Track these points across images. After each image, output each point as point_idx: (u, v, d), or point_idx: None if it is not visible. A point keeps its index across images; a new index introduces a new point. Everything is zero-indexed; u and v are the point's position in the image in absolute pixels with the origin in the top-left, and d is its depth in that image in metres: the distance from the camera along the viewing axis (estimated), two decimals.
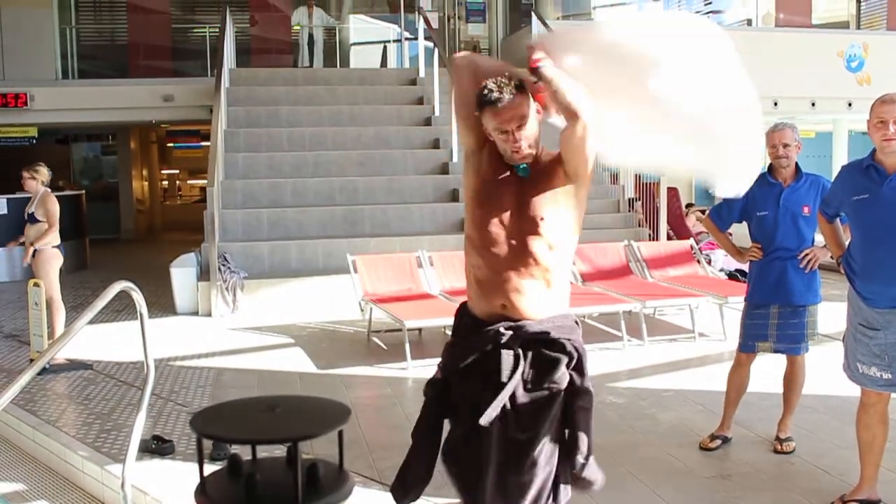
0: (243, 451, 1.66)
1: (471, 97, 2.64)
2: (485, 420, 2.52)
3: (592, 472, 2.65)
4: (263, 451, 1.69)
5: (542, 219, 2.60)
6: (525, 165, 2.65)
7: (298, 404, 1.62)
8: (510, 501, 2.57)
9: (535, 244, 2.60)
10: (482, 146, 2.74)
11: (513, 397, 2.58)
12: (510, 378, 2.57)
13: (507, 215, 2.63)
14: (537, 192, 2.62)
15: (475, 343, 2.65)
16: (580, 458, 2.60)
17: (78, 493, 4.53)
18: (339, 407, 1.64)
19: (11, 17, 13.29)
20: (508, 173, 2.68)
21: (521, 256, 2.61)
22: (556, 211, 2.62)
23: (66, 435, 4.98)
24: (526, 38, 13.77)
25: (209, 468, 1.62)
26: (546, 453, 2.60)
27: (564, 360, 2.61)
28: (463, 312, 2.79)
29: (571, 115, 2.52)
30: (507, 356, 2.58)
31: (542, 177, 2.65)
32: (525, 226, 2.61)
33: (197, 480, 1.64)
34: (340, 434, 1.58)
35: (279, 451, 1.70)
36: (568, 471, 2.65)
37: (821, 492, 3.99)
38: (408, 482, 2.74)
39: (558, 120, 2.61)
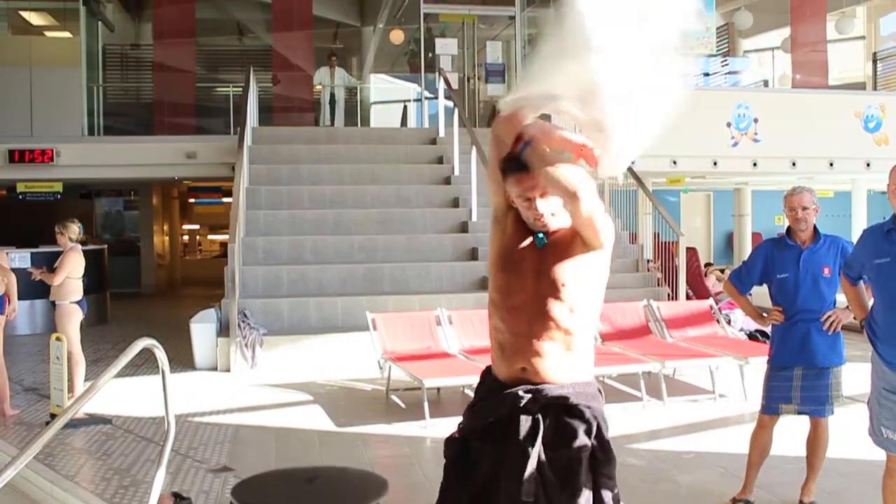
0: None
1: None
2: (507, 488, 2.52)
3: None
4: None
5: (563, 284, 2.62)
6: (542, 235, 2.67)
7: (336, 475, 1.62)
8: None
9: (556, 308, 2.62)
10: (508, 210, 2.77)
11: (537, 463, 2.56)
12: (531, 444, 2.56)
13: (528, 280, 2.65)
14: (558, 258, 2.64)
15: (494, 405, 2.67)
16: None
17: None
18: (376, 479, 1.64)
19: (41, 75, 13.57)
20: (531, 239, 2.71)
21: (542, 320, 2.62)
22: (578, 276, 2.64)
23: (84, 490, 4.98)
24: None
25: None
26: None
27: (582, 427, 2.61)
28: (486, 374, 2.81)
29: (570, 197, 2.51)
30: (525, 421, 2.58)
31: (561, 243, 2.67)
32: (546, 290, 2.62)
33: None
34: None
35: None
36: None
37: None
38: None
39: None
